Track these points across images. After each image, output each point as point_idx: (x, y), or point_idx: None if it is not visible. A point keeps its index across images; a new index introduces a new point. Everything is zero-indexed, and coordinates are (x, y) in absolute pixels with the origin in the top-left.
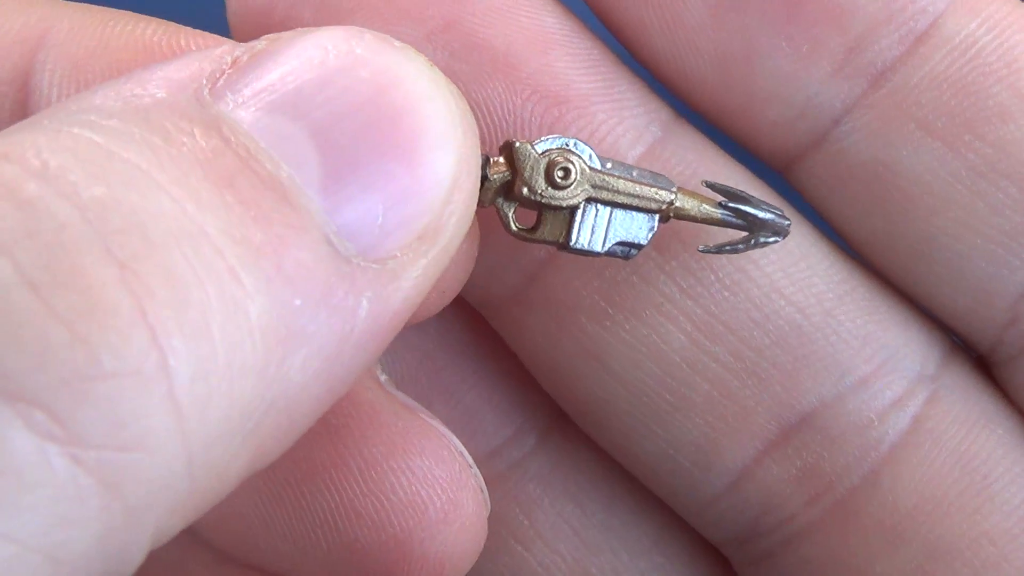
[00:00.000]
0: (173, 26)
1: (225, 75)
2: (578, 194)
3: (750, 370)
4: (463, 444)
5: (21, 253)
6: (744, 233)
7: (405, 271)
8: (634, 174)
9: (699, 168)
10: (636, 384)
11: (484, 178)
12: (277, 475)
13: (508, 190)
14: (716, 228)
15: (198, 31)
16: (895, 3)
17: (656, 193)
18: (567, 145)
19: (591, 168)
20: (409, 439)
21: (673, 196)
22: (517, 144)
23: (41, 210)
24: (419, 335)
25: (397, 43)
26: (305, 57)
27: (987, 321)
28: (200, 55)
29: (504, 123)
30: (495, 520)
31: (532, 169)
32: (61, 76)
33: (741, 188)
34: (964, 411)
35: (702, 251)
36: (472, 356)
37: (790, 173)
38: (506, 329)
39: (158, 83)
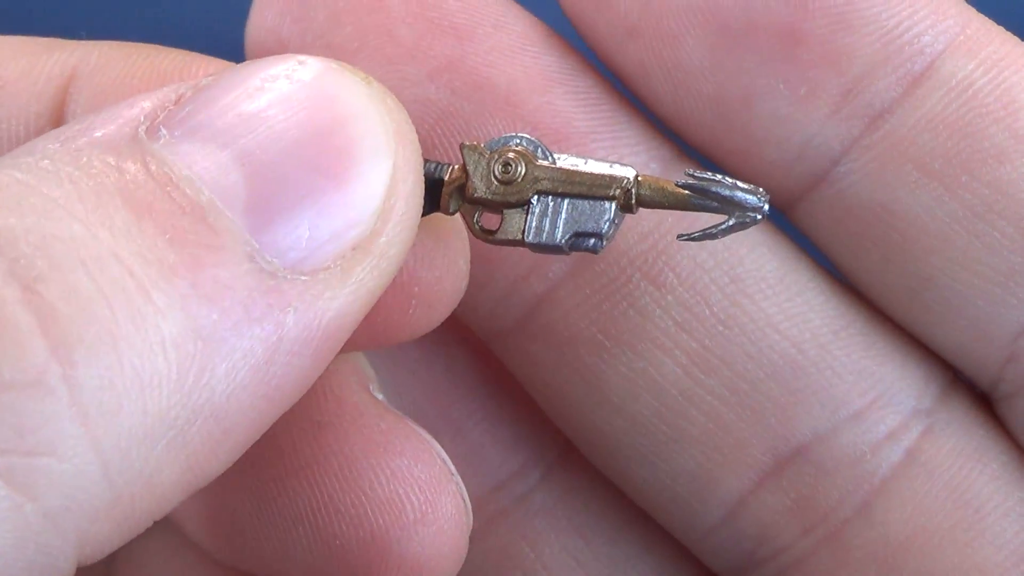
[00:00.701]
0: (189, 55)
1: (166, 112)
2: (526, 187)
3: (745, 403)
4: (469, 479)
5: None
6: (722, 217)
7: (338, 281)
8: (588, 163)
9: None
10: (633, 415)
11: (440, 183)
12: (262, 473)
13: (464, 199)
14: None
15: (212, 58)
16: (892, 45)
17: (610, 178)
18: (516, 142)
19: (539, 161)
20: (391, 440)
21: (629, 180)
22: (466, 145)
23: None
24: (427, 368)
25: (336, 64)
26: (243, 88)
27: (986, 358)
28: (149, 94)
29: None
30: (501, 554)
31: (481, 168)
32: (86, 106)
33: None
34: (959, 445)
35: (681, 239)
36: (479, 391)
37: (791, 212)
38: (511, 360)
39: (102, 123)
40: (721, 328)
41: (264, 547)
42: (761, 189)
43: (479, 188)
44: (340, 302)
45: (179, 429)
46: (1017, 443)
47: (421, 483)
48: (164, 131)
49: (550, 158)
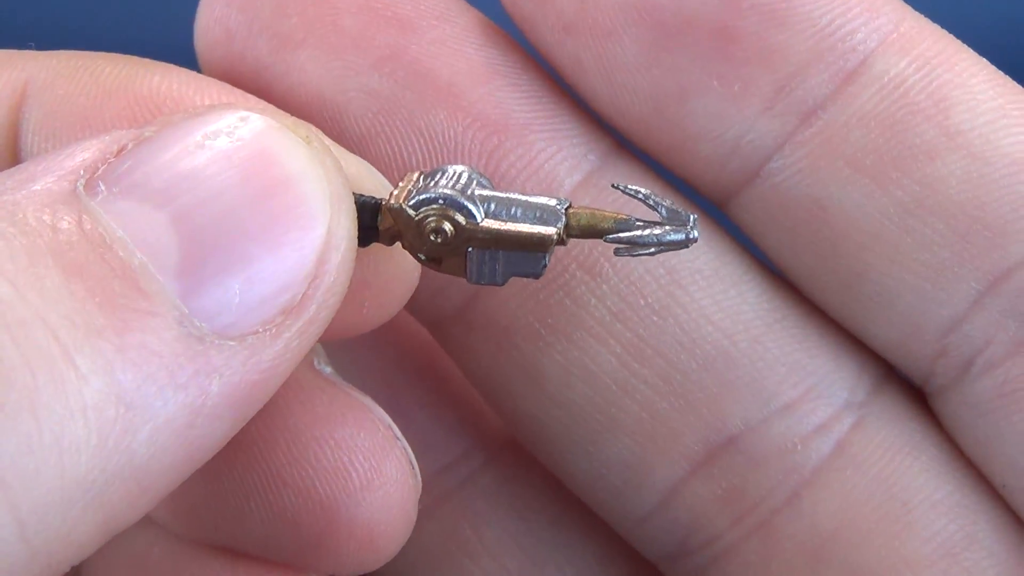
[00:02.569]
0: (138, 64)
1: (106, 164)
2: (460, 246)
3: (677, 392)
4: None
5: None
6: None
7: (265, 346)
8: (518, 212)
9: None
10: (568, 404)
11: (376, 228)
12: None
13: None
14: None
15: (161, 64)
16: (825, 42)
17: (539, 233)
18: (454, 175)
19: (468, 224)
20: (333, 411)
21: (556, 231)
22: (390, 206)
23: None
24: (376, 356)
25: (277, 123)
26: (183, 145)
27: (918, 353)
28: (91, 143)
29: (446, 150)
30: (444, 535)
31: (413, 233)
32: (35, 126)
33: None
34: (890, 438)
35: (617, 254)
36: (425, 377)
37: (726, 207)
38: (451, 347)
39: (42, 174)
40: (655, 318)
41: (219, 520)
42: (691, 217)
43: (416, 246)
44: (266, 367)
45: (97, 491)
46: (949, 437)
47: (365, 450)
48: (103, 187)
49: (487, 187)
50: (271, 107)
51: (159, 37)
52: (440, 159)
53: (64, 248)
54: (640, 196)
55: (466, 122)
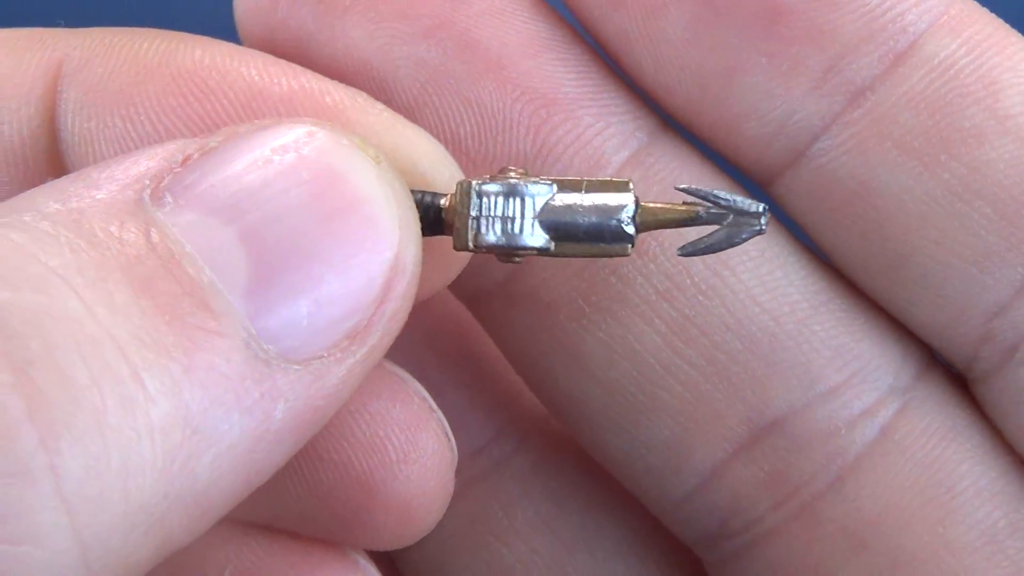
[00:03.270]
0: (176, 39)
1: (172, 174)
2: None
3: (722, 374)
4: None
5: None
6: (721, 232)
7: (330, 371)
8: (584, 205)
9: (681, 176)
10: (610, 383)
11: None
12: None
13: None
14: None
15: (200, 38)
16: (875, 22)
17: (614, 249)
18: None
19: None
20: (367, 384)
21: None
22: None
23: None
24: (407, 335)
25: (347, 140)
26: (251, 158)
27: (962, 338)
28: (155, 151)
29: (493, 122)
30: (475, 518)
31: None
32: (75, 106)
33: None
34: (934, 424)
35: (680, 254)
36: (459, 357)
37: (770, 188)
38: (489, 323)
39: (105, 182)
40: (701, 298)
41: (256, 498)
42: (763, 208)
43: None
44: (329, 392)
45: (159, 516)
46: (992, 423)
47: (401, 423)
48: (169, 198)
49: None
50: (338, 121)
51: (193, 10)
52: (488, 132)
53: (133, 262)
54: (704, 194)
55: (515, 95)
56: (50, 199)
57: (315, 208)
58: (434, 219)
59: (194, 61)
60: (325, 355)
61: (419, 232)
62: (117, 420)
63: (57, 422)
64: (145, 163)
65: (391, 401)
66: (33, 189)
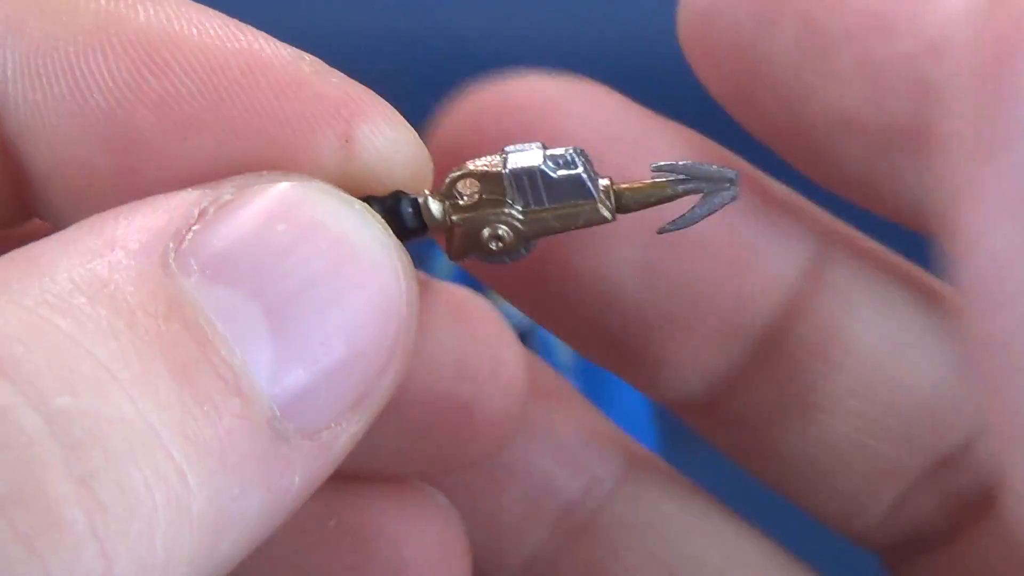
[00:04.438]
0: None
1: (191, 233)
2: (521, 249)
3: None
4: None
5: None
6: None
7: (337, 440)
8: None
9: None
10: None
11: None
12: None
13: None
14: None
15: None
16: None
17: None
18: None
19: (520, 226)
20: (447, 308)
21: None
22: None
23: (12, 422)
24: None
25: (358, 205)
26: (267, 221)
27: None
28: (170, 202)
29: None
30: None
31: (472, 241)
32: (14, 72)
33: None
34: None
35: (660, 231)
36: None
37: None
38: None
39: (124, 238)
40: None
41: (359, 451)
42: (735, 174)
43: (475, 255)
44: (335, 457)
45: None
46: None
47: (486, 340)
48: (194, 264)
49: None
50: (304, 90)
51: None
52: None
53: (171, 347)
54: (677, 168)
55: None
56: (74, 261)
57: (333, 281)
58: (411, 223)
59: (140, 26)
60: (332, 426)
61: (417, 301)
62: (166, 521)
63: (116, 532)
64: (164, 217)
65: (474, 325)
66: (43, 241)
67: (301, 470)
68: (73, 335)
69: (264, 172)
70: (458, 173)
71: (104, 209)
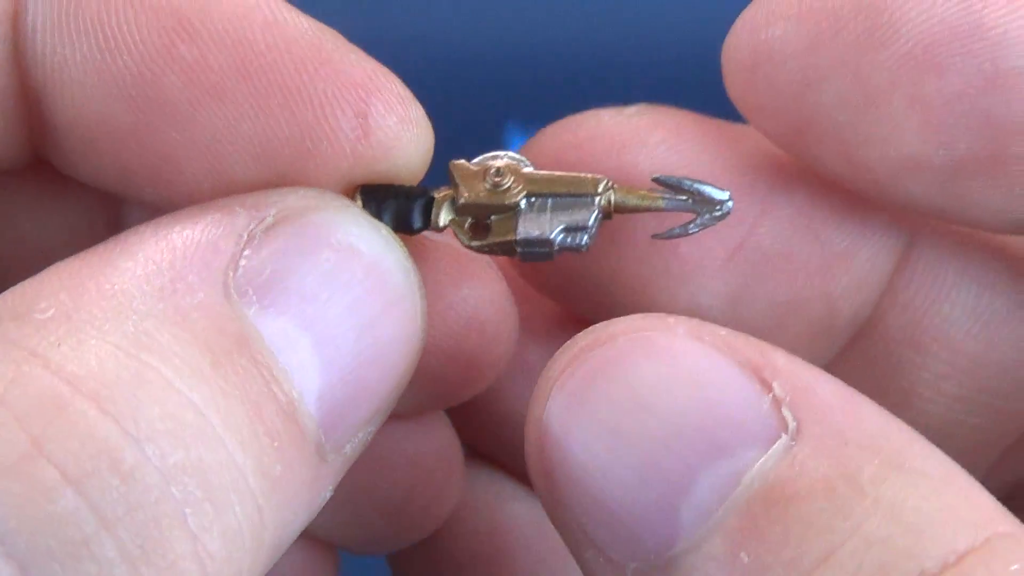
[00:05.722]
0: None
1: (243, 259)
2: (516, 191)
3: None
4: None
5: (123, 531)
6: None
7: (355, 450)
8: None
9: None
10: None
11: (430, 201)
12: None
13: (456, 208)
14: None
15: None
16: None
17: (591, 179)
18: (501, 158)
19: (523, 170)
20: (456, 267)
21: (608, 181)
22: (453, 162)
23: (139, 480)
24: None
25: (384, 230)
26: (312, 250)
27: None
28: (219, 227)
29: None
30: None
31: (470, 179)
32: (44, 24)
33: None
34: None
35: (654, 237)
36: None
37: None
38: None
39: (189, 267)
40: None
41: None
42: (726, 195)
43: (468, 195)
44: (351, 463)
45: None
46: None
47: (489, 296)
48: (253, 295)
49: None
50: (331, 67)
51: None
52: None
53: (245, 385)
54: (673, 183)
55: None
56: (145, 289)
57: (368, 306)
58: (424, 207)
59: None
60: (353, 439)
61: (426, 308)
62: (251, 558)
63: (220, 575)
64: (217, 241)
65: (478, 281)
66: (101, 254)
67: (332, 483)
68: (172, 381)
69: (299, 188)
70: (466, 202)
71: (121, 164)
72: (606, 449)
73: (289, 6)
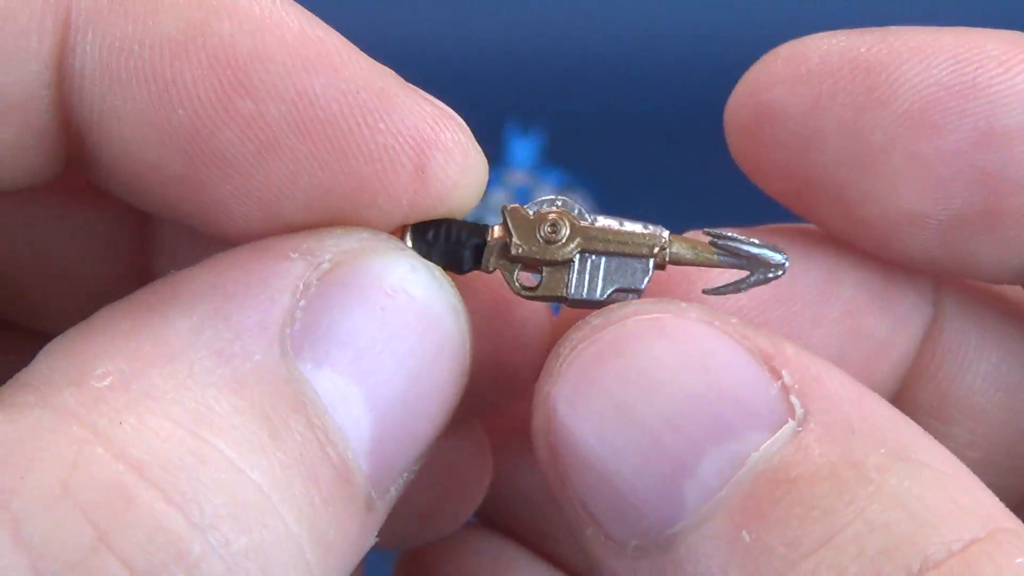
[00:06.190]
0: (192, 2)
1: (299, 312)
2: (570, 247)
3: None
4: None
5: None
6: (745, 273)
7: (399, 492)
8: (624, 224)
9: None
10: None
11: (483, 244)
12: None
13: (508, 253)
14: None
15: (223, 1)
16: None
17: (647, 238)
18: (557, 204)
19: (580, 222)
20: (496, 304)
21: (664, 239)
22: (508, 207)
23: (204, 571)
24: None
25: (437, 271)
26: (366, 298)
27: None
28: (275, 275)
29: None
30: None
31: (524, 228)
32: (92, 71)
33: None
34: None
35: (705, 292)
36: None
37: None
38: None
39: (245, 326)
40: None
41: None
42: (781, 248)
43: (522, 246)
44: (393, 504)
45: None
46: None
47: (529, 327)
48: (308, 352)
49: (588, 219)
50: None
51: None
52: None
53: (301, 451)
54: (730, 244)
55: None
56: (202, 354)
57: (420, 354)
58: (470, 258)
59: (227, 39)
60: (392, 488)
61: (472, 350)
62: None
63: None
64: (278, 298)
65: (518, 313)
66: (155, 314)
67: (377, 527)
68: (234, 460)
69: (352, 231)
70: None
71: (167, 202)
72: (613, 426)
73: (348, 44)
